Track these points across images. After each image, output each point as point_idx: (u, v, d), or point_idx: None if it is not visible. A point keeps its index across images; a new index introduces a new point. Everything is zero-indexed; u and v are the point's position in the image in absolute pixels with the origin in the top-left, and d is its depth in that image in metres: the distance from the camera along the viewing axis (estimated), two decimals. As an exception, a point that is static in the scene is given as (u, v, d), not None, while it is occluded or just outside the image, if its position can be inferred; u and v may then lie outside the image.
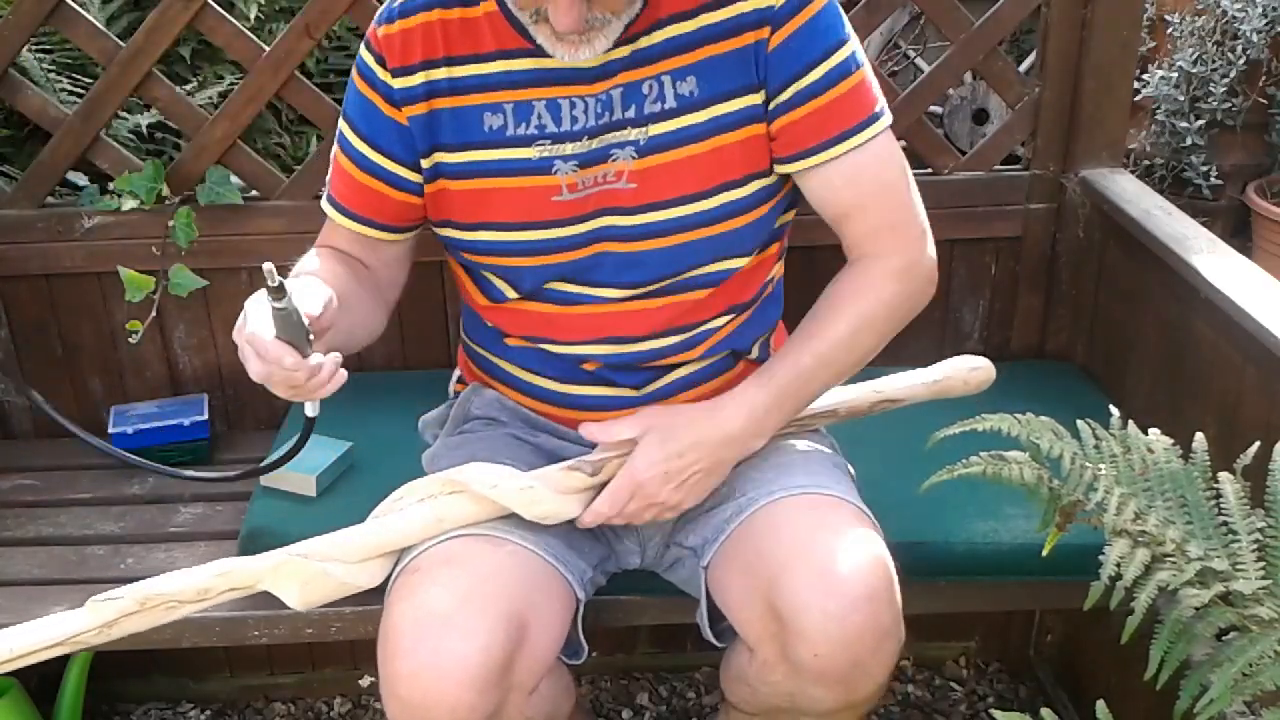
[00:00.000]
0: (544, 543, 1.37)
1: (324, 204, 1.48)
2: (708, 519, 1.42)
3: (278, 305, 1.16)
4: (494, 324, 1.50)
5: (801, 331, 1.40)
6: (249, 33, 1.85)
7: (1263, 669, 1.01)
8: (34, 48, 2.34)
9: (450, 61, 1.36)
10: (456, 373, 1.66)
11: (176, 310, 1.94)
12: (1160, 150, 3.86)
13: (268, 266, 1.14)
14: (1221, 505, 1.12)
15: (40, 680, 1.84)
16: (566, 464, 1.38)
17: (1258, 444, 1.15)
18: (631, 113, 1.34)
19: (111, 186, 1.88)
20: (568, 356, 1.45)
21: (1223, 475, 1.14)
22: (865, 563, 1.27)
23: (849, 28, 1.37)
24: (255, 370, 1.19)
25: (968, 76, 3.85)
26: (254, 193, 1.93)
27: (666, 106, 1.34)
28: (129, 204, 1.85)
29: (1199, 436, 1.18)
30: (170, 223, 1.86)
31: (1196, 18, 3.72)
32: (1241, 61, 3.64)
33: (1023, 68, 3.58)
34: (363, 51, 1.40)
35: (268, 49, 1.84)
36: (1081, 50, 1.86)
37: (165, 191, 1.87)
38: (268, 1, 2.71)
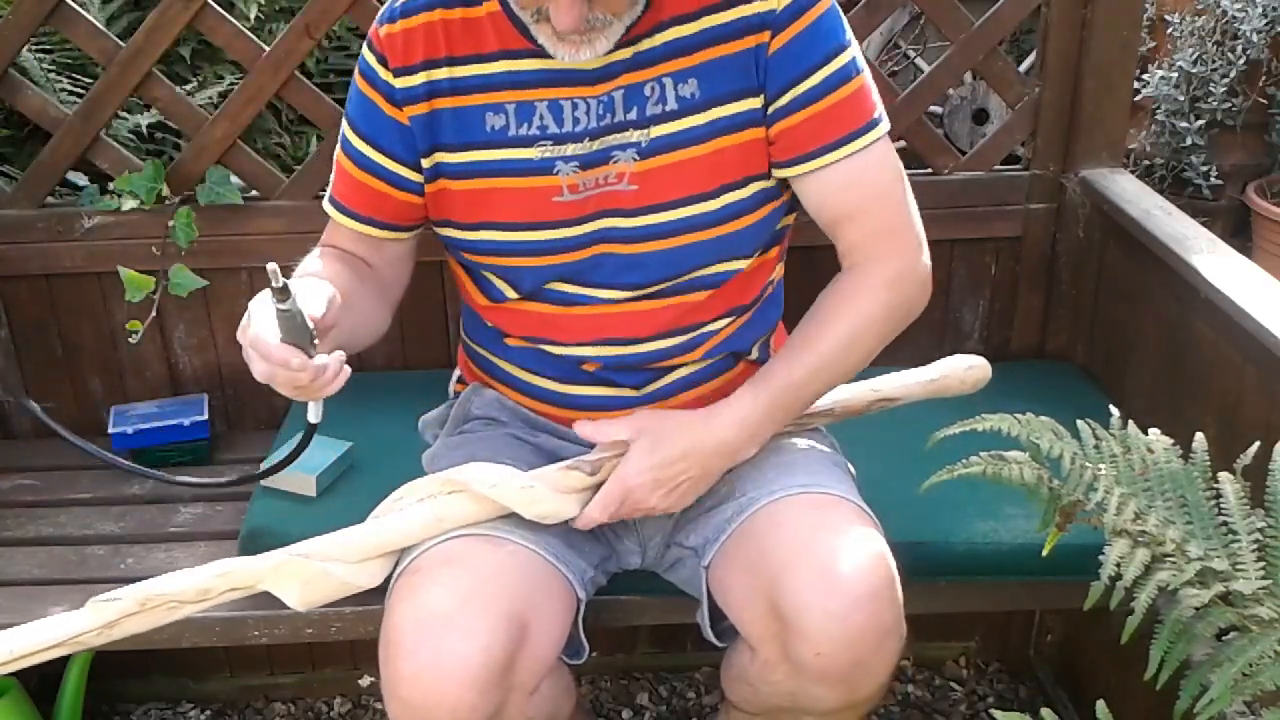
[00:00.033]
0: (545, 543, 1.37)
1: (325, 204, 1.48)
2: (709, 518, 1.42)
3: (282, 307, 1.16)
4: (494, 324, 1.50)
5: (795, 341, 1.39)
6: (249, 33, 1.85)
7: (1263, 669, 1.01)
8: (34, 48, 2.34)
9: (452, 61, 1.36)
10: (456, 372, 1.66)
11: (176, 310, 1.94)
12: (1160, 150, 3.86)
13: (272, 267, 1.14)
14: (1221, 505, 1.12)
15: (40, 680, 1.84)
16: (565, 463, 1.38)
17: (1258, 444, 1.15)
18: (633, 114, 1.34)
19: (111, 186, 1.88)
20: (567, 357, 1.45)
21: (1223, 475, 1.14)
22: (867, 562, 1.28)
23: (850, 33, 1.37)
24: (259, 371, 1.19)
25: (968, 76, 3.85)
26: (254, 193, 1.93)
27: (668, 108, 1.34)
28: (129, 204, 1.85)
29: (1199, 436, 1.18)
30: (170, 223, 1.86)
31: (1196, 18, 3.72)
32: (1241, 61, 3.64)
33: (1023, 68, 3.58)
34: (365, 51, 1.40)
35: (268, 49, 1.84)
36: (1081, 50, 1.86)
37: (165, 191, 1.87)
38: (268, 1, 2.71)
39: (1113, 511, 1.11)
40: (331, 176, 1.48)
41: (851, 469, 1.51)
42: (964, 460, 1.18)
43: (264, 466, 1.70)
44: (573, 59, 1.29)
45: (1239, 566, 1.07)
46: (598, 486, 1.37)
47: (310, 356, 1.19)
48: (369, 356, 1.98)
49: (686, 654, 2.17)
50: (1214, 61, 3.68)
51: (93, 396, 2.00)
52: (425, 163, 1.40)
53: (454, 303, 1.96)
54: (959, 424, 1.21)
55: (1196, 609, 1.05)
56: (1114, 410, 1.24)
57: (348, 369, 1.23)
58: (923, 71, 2.24)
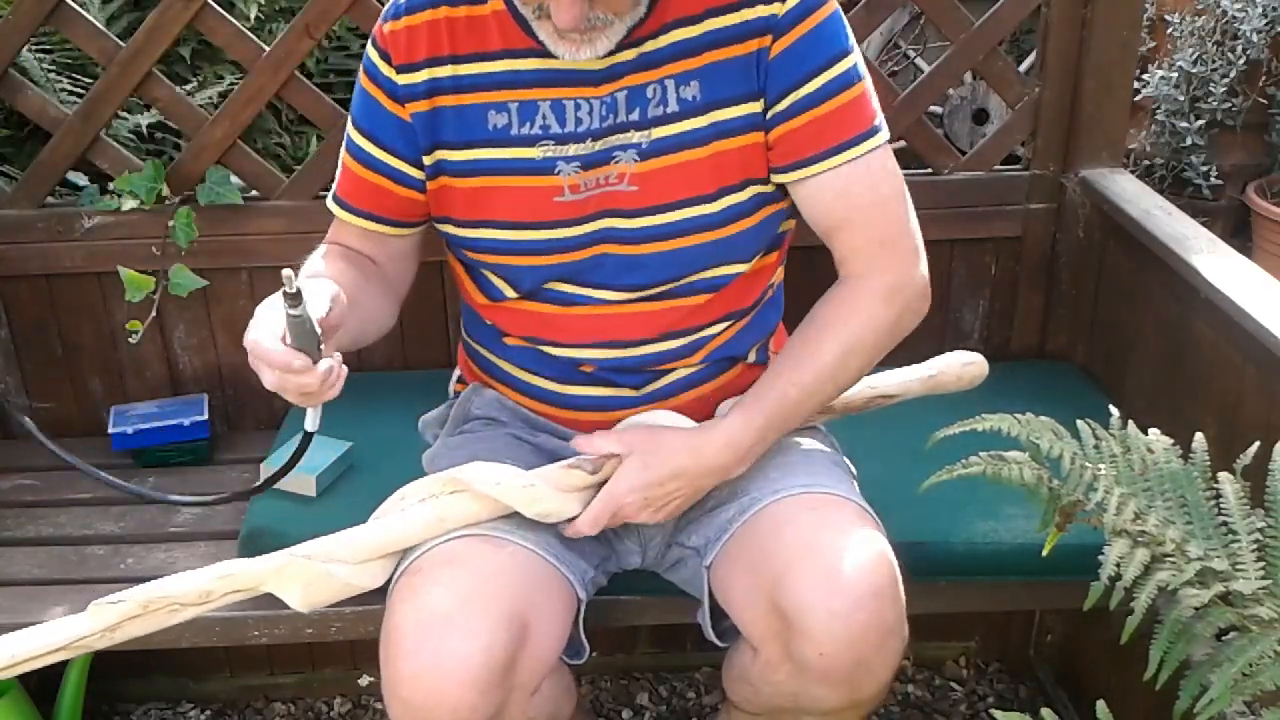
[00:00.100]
0: (545, 543, 1.37)
1: (329, 201, 1.49)
2: (710, 518, 1.42)
3: (293, 312, 1.16)
4: (492, 323, 1.50)
5: (787, 359, 1.38)
6: (249, 33, 1.85)
7: (1263, 669, 1.01)
8: (34, 48, 2.34)
9: (455, 59, 1.36)
10: (457, 372, 1.66)
11: (176, 310, 1.94)
12: (1160, 150, 3.86)
13: (287, 272, 1.15)
14: (1221, 505, 1.12)
15: (40, 680, 1.84)
16: (567, 462, 1.38)
17: (1258, 444, 1.15)
18: (635, 115, 1.34)
19: (111, 186, 1.88)
20: (565, 359, 1.45)
21: (1223, 475, 1.14)
22: (869, 561, 1.28)
23: (853, 40, 1.36)
24: (270, 381, 1.19)
25: (968, 76, 3.85)
26: (254, 193, 1.93)
27: (669, 110, 1.34)
28: (129, 204, 1.85)
29: (1199, 436, 1.18)
30: (170, 223, 1.86)
31: (1196, 18, 3.72)
32: (1241, 61, 3.64)
33: (1023, 68, 3.58)
34: (369, 47, 1.40)
35: (268, 49, 1.84)
36: (1081, 50, 1.86)
37: (165, 191, 1.87)
38: (268, 1, 2.71)
39: (1112, 511, 1.11)
40: (336, 174, 1.48)
41: (852, 469, 1.51)
42: (964, 460, 1.19)
43: (263, 468, 1.72)
44: (573, 57, 1.29)
45: (1239, 566, 1.07)
46: (599, 485, 1.37)
47: (317, 361, 1.19)
48: (369, 356, 1.98)
49: (686, 654, 2.17)
50: (1214, 61, 3.68)
51: (93, 396, 2.00)
52: (427, 160, 1.40)
53: (454, 302, 1.96)
54: (959, 424, 1.21)
55: (1196, 609, 1.05)
56: (1114, 410, 1.24)
57: (345, 369, 1.23)
58: (923, 71, 2.24)
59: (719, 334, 1.45)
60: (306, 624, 1.58)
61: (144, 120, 2.46)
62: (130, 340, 1.88)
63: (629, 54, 1.33)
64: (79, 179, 2.06)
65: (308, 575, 1.32)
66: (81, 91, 2.28)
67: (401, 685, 1.24)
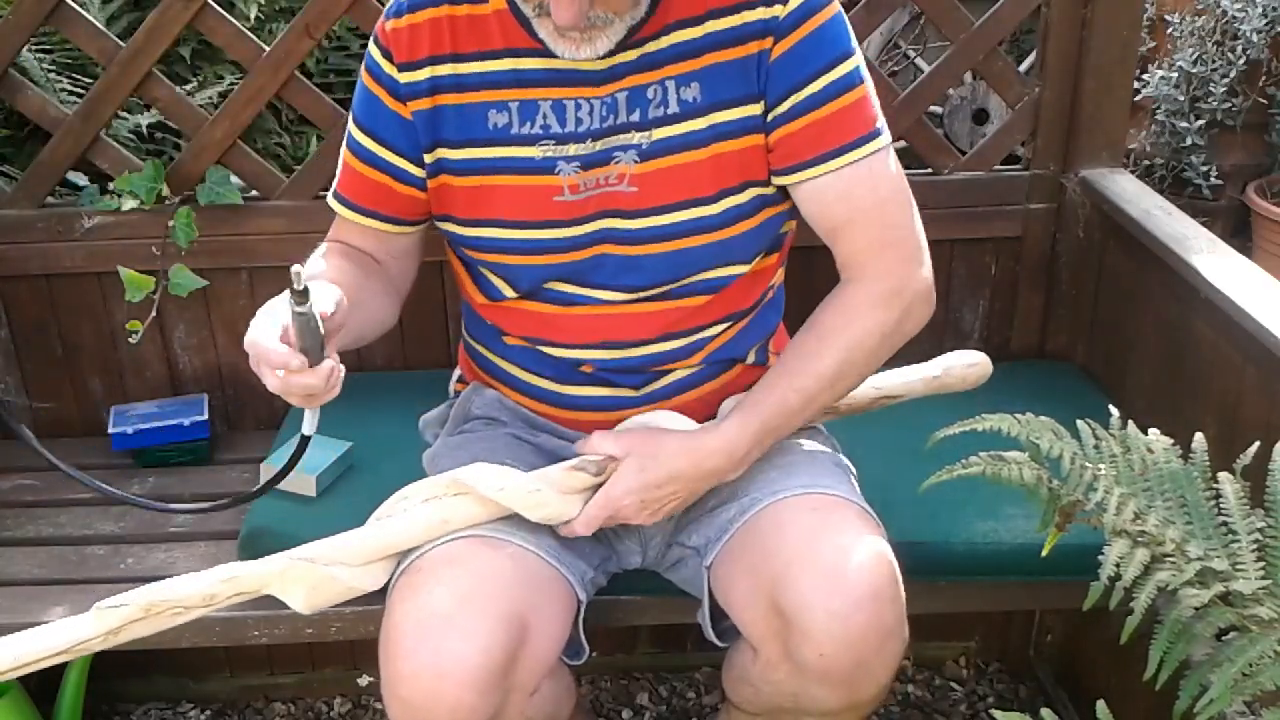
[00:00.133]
0: (545, 544, 1.37)
1: (330, 198, 1.49)
2: (711, 518, 1.42)
3: (299, 309, 1.16)
4: (492, 322, 1.50)
5: (787, 364, 1.38)
6: (249, 33, 1.85)
7: (1263, 669, 1.01)
8: (34, 48, 2.34)
9: (457, 58, 1.36)
10: (457, 372, 1.66)
11: (176, 310, 1.94)
12: (1160, 150, 3.86)
13: (296, 269, 1.14)
14: (1221, 505, 1.12)
15: (40, 680, 1.84)
16: (570, 464, 1.37)
17: (1258, 444, 1.15)
18: (635, 116, 1.34)
19: (111, 186, 1.88)
20: (564, 359, 1.45)
21: (1222, 475, 1.14)
22: (869, 562, 1.27)
23: (855, 42, 1.36)
24: (271, 384, 1.19)
25: (968, 76, 3.85)
26: (254, 193, 1.93)
27: (669, 111, 1.34)
28: (129, 204, 1.85)
29: (1199, 436, 1.18)
30: (170, 223, 1.86)
31: (1196, 18, 3.72)
32: (1241, 61, 3.64)
33: (1023, 68, 3.58)
34: (371, 45, 1.40)
35: (268, 49, 1.84)
36: (1081, 50, 1.86)
37: (165, 191, 1.87)
38: (268, 1, 2.71)
39: (1112, 511, 1.11)
40: (337, 172, 1.48)
41: (853, 470, 1.51)
42: (964, 460, 1.18)
43: (263, 468, 1.71)
44: (573, 56, 1.29)
45: (1239, 566, 1.07)
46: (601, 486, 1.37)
47: (320, 360, 1.19)
48: (369, 356, 1.98)
49: (686, 654, 2.17)
50: (1214, 61, 3.68)
51: (93, 396, 2.00)
52: (428, 158, 1.40)
53: (454, 302, 1.96)
54: (959, 424, 1.21)
55: (1196, 609, 1.05)
56: (1114, 410, 1.24)
57: (343, 369, 1.23)
58: (923, 71, 2.24)
59: (719, 335, 1.45)
60: (306, 624, 1.58)
61: (144, 120, 2.46)
62: (130, 340, 1.88)
63: (630, 54, 1.32)
64: (79, 179, 2.07)
65: (311, 578, 1.32)
66: (81, 91, 2.28)
67: (401, 685, 1.24)
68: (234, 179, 1.90)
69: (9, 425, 1.66)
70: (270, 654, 2.12)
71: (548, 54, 1.32)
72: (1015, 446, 1.19)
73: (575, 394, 1.47)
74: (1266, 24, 3.59)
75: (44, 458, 1.56)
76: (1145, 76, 3.75)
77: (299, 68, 1.86)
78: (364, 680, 2.15)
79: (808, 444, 1.48)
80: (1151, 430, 1.20)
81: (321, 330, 1.18)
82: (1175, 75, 3.74)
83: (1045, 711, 1.03)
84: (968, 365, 1.57)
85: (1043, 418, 1.20)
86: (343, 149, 1.46)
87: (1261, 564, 1.07)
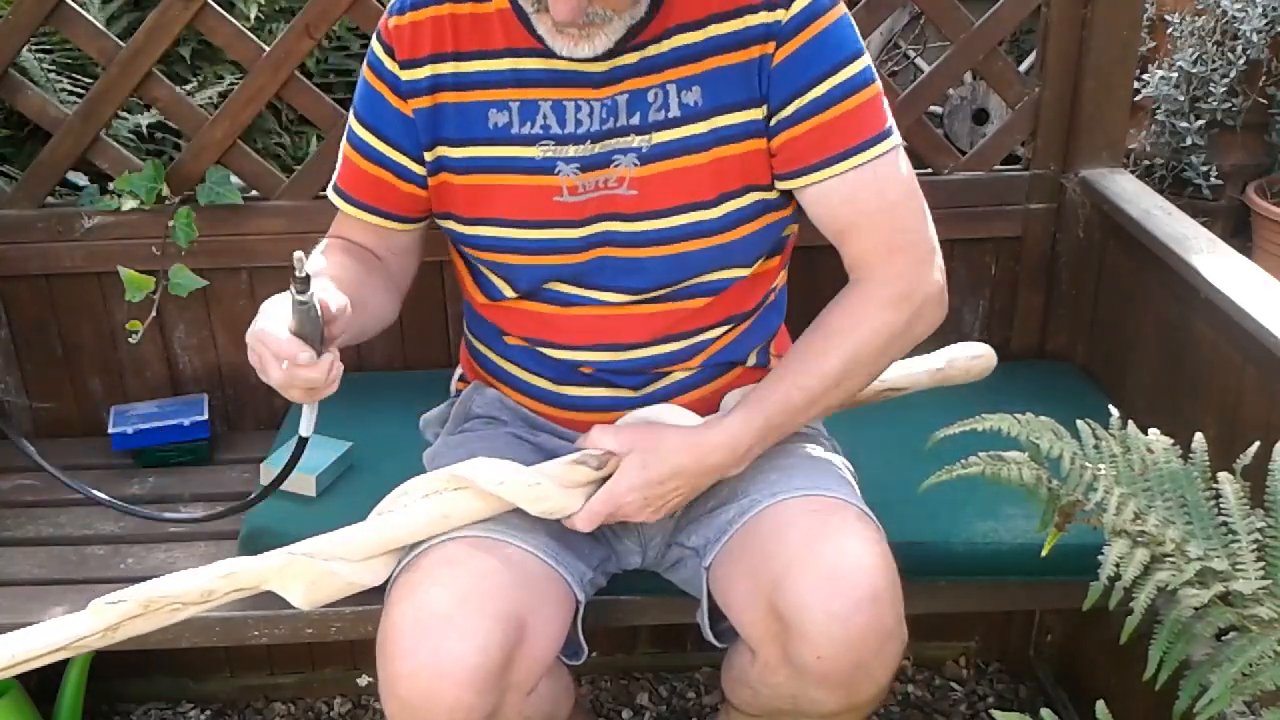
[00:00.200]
0: (543, 545, 1.37)
1: (330, 193, 1.49)
2: (710, 519, 1.42)
3: (300, 298, 1.16)
4: (493, 322, 1.50)
5: (793, 362, 1.37)
6: (249, 33, 1.85)
7: (1262, 669, 1.01)
8: (34, 48, 2.34)
9: (458, 56, 1.36)
10: (458, 370, 1.66)
11: (176, 310, 1.94)
12: (1160, 150, 3.86)
13: (298, 255, 1.15)
14: (1221, 505, 1.12)
15: (40, 680, 1.84)
16: (572, 457, 1.37)
17: (1258, 444, 1.15)
18: (636, 119, 1.34)
19: (111, 186, 1.88)
20: (564, 360, 1.45)
21: (1222, 475, 1.14)
22: (868, 564, 1.27)
23: (862, 44, 1.35)
24: (274, 377, 1.19)
25: (968, 76, 3.85)
26: (254, 193, 1.93)
27: (670, 115, 1.34)
28: (129, 204, 1.85)
29: (1199, 436, 1.18)
30: (170, 223, 1.86)
31: (1196, 18, 3.72)
32: (1241, 61, 3.64)
33: (1023, 68, 3.58)
34: (373, 42, 1.40)
35: (268, 49, 1.84)
36: (1081, 50, 1.86)
37: (165, 191, 1.87)
38: (268, 1, 2.71)
39: (1112, 511, 1.11)
40: (337, 166, 1.48)
41: (853, 471, 1.50)
42: (964, 460, 1.18)
43: (263, 468, 1.71)
44: (571, 53, 1.29)
45: (1239, 566, 1.07)
46: (604, 480, 1.36)
47: (320, 351, 1.19)
48: (369, 356, 1.98)
49: (686, 654, 2.17)
50: (1214, 61, 3.68)
51: (93, 396, 2.00)
52: (428, 156, 1.40)
53: (454, 302, 1.96)
54: (959, 424, 1.21)
55: (1196, 609, 1.05)
56: (1114, 410, 1.24)
57: (340, 366, 1.24)
58: (923, 71, 2.24)
59: (719, 337, 1.45)
60: (306, 624, 1.58)
61: (144, 120, 2.46)
62: (130, 340, 1.88)
63: (631, 57, 1.32)
64: (79, 179, 2.07)
65: (310, 574, 1.31)
66: (81, 91, 2.28)
67: (398, 684, 1.24)
68: (234, 179, 1.90)
69: (12, 417, 1.66)
70: (270, 654, 2.12)
71: (549, 54, 1.32)
72: (1015, 446, 1.19)
73: (575, 394, 1.47)
74: (1266, 24, 3.59)
75: (40, 465, 1.56)
76: (1145, 76, 3.75)
77: (299, 68, 1.86)
78: (364, 680, 2.15)
79: (808, 446, 1.48)
80: (1151, 430, 1.20)
81: (321, 320, 1.19)
82: (1175, 75, 3.74)
83: (1045, 711, 1.03)
84: (972, 357, 1.57)
85: (1043, 418, 1.20)
86: (343, 143, 1.47)
87: (1261, 564, 1.07)
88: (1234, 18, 3.62)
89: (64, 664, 1.84)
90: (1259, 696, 1.03)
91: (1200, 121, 3.73)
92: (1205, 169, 3.75)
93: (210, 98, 2.50)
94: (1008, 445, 1.19)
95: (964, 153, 1.97)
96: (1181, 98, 3.74)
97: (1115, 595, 1.08)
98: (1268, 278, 1.55)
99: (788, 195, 1.40)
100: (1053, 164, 1.93)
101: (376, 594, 1.36)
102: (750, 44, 1.32)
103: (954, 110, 4.08)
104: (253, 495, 1.49)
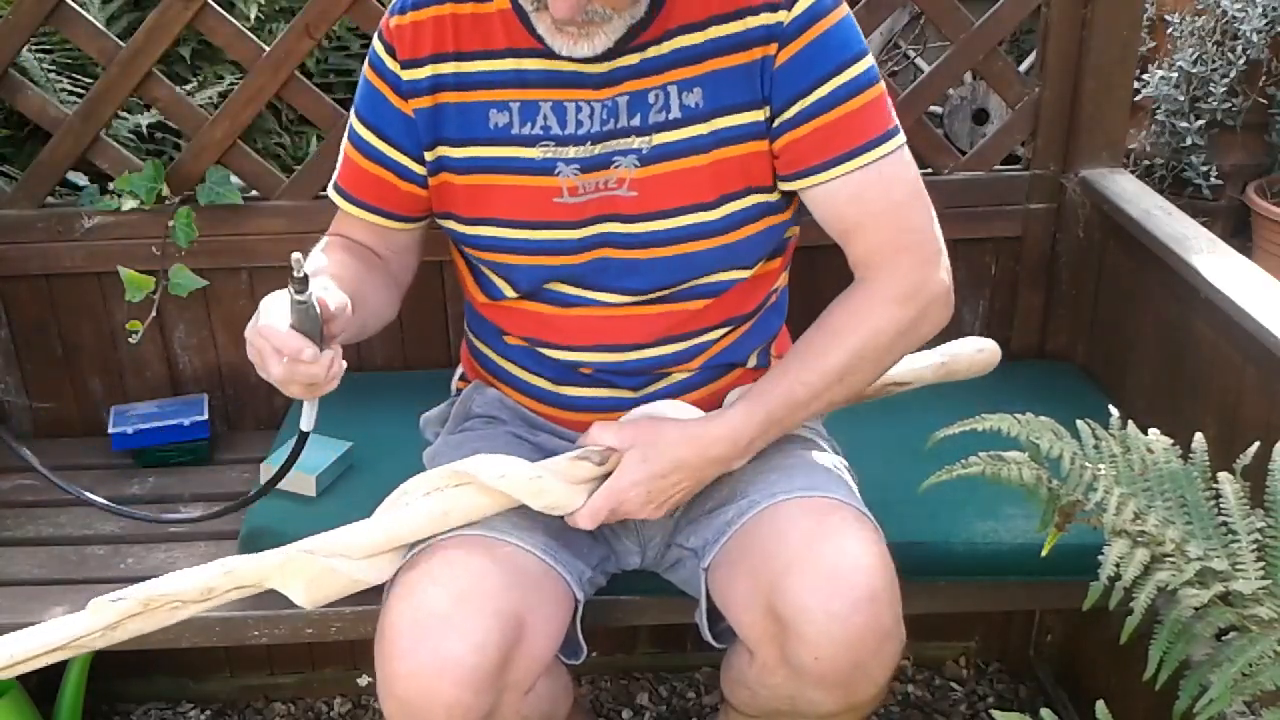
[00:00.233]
0: (542, 543, 1.37)
1: (331, 191, 1.49)
2: (709, 520, 1.42)
3: (299, 297, 1.17)
4: (493, 321, 1.50)
5: (797, 358, 1.37)
6: (249, 33, 1.85)
7: (1262, 669, 1.01)
8: (34, 48, 2.34)
9: (459, 56, 1.36)
10: (459, 369, 1.66)
11: (176, 310, 1.94)
12: (1160, 150, 3.86)
13: (296, 256, 1.15)
14: (1221, 505, 1.12)
15: (40, 680, 1.84)
16: (574, 453, 1.36)
17: (1258, 444, 1.15)
18: (636, 121, 1.34)
19: (111, 186, 1.88)
20: (563, 360, 1.45)
21: (1222, 475, 1.14)
22: (866, 565, 1.27)
23: (865, 44, 1.34)
24: (277, 374, 1.19)
25: (968, 76, 3.85)
26: (254, 193, 1.93)
27: (671, 116, 1.34)
28: (129, 204, 1.86)
29: (1199, 436, 1.18)
30: (170, 223, 1.86)
31: (1196, 18, 3.72)
32: (1241, 61, 3.64)
33: (1023, 68, 3.58)
34: (375, 42, 1.40)
35: (268, 49, 1.84)
36: (1081, 50, 1.86)
37: (165, 191, 1.87)
38: (268, 1, 2.71)
39: (1112, 511, 1.11)
40: (338, 164, 1.48)
41: (852, 472, 1.50)
42: (964, 460, 1.18)
43: (263, 468, 1.71)
44: (570, 52, 1.28)
45: (1239, 566, 1.07)
46: (606, 477, 1.36)
47: (320, 349, 1.20)
48: (369, 356, 1.98)
49: (686, 654, 2.17)
50: (1214, 61, 3.68)
51: (93, 396, 2.00)
52: (428, 155, 1.40)
53: (454, 303, 1.96)
54: (959, 424, 1.21)
55: (1196, 609, 1.05)
56: (1114, 410, 1.24)
57: (343, 364, 1.24)
58: (923, 71, 2.24)
59: (719, 339, 1.45)
60: (306, 624, 1.58)
61: (144, 120, 2.46)
62: (130, 340, 1.88)
63: (631, 58, 1.32)
64: (79, 179, 2.07)
65: (310, 570, 1.30)
66: (81, 91, 2.28)
67: (396, 683, 1.24)
68: (234, 179, 1.90)
69: (12, 417, 1.66)
70: (270, 654, 2.12)
71: (550, 55, 1.32)
72: (1015, 446, 1.19)
73: (574, 395, 1.47)
74: (1266, 24, 3.59)
75: (31, 465, 1.56)
76: (1145, 76, 3.75)
77: (299, 68, 1.86)
78: (364, 680, 2.15)
79: (807, 446, 1.48)
80: (1151, 430, 1.20)
81: (320, 319, 1.19)
82: (1175, 75, 3.74)
83: (1045, 711, 1.03)
84: (976, 351, 1.57)
85: (1043, 418, 1.20)
86: (344, 142, 1.47)
87: (1261, 564, 1.07)
88: (1234, 18, 3.63)
89: (64, 664, 1.84)
90: (1259, 696, 1.03)
91: (1200, 121, 3.73)
92: (1205, 169, 3.75)
93: (210, 98, 2.50)
94: (1008, 445, 1.19)
95: (964, 153, 1.97)
96: (1181, 98, 3.75)
97: (1115, 595, 1.08)
98: (1268, 278, 1.55)
99: (788, 198, 1.40)
100: (1053, 164, 1.93)
101: (377, 594, 1.36)
102: (752, 45, 1.32)
103: (954, 110, 4.08)
104: (252, 492, 1.48)
